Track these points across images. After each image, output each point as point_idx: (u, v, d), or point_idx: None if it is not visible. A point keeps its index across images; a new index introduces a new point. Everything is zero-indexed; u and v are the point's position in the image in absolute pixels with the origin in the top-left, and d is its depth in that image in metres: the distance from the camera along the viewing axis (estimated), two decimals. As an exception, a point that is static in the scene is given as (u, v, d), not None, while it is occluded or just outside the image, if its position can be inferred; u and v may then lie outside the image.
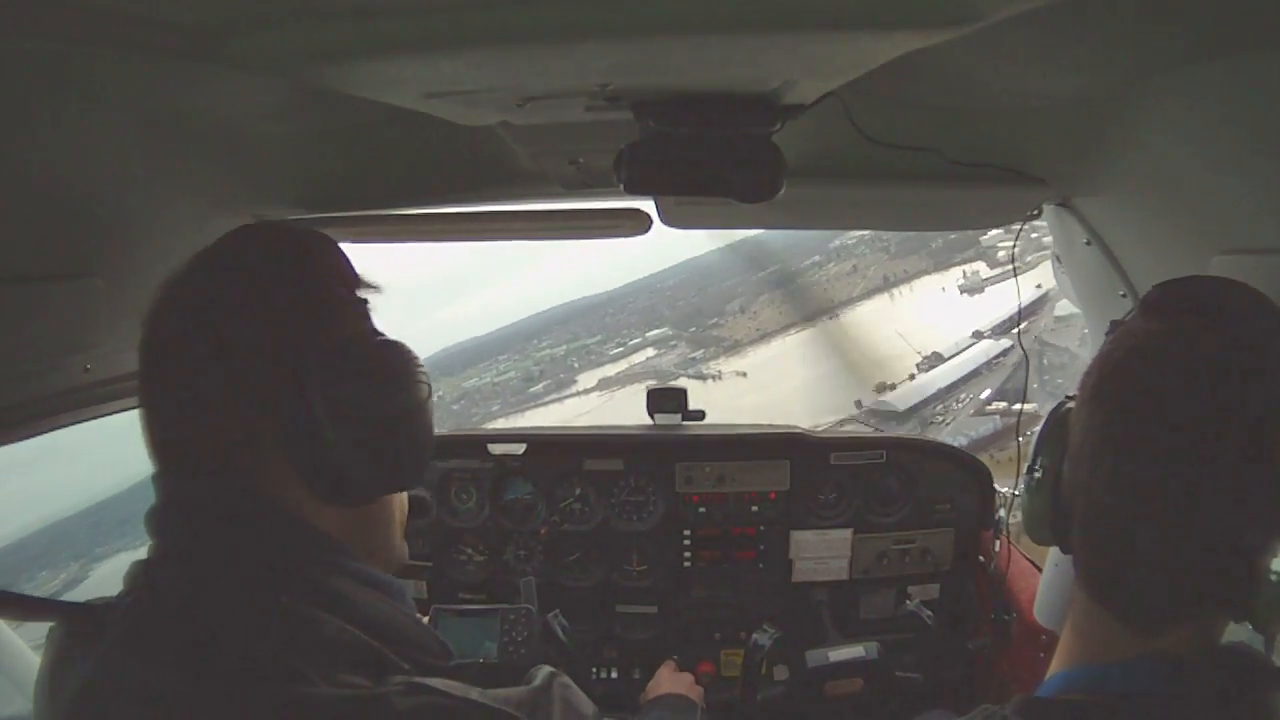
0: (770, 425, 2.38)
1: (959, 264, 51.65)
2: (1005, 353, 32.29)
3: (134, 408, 0.85)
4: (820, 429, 2.40)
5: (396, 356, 0.85)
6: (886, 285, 54.63)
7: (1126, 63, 1.08)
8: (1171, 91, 1.10)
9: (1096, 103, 1.22)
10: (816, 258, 57.24)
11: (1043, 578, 1.92)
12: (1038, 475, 0.87)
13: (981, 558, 2.21)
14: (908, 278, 54.54)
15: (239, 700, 0.71)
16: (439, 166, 1.60)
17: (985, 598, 2.18)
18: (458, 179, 1.65)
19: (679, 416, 2.32)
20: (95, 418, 1.33)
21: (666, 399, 2.32)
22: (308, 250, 0.88)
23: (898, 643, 1.97)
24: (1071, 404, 0.84)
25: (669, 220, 1.72)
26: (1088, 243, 1.58)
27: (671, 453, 2.23)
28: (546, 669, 0.91)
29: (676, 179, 1.19)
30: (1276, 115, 0.99)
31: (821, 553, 2.22)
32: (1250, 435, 0.71)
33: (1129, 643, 0.78)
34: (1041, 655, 1.88)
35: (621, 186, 1.17)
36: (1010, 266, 1.78)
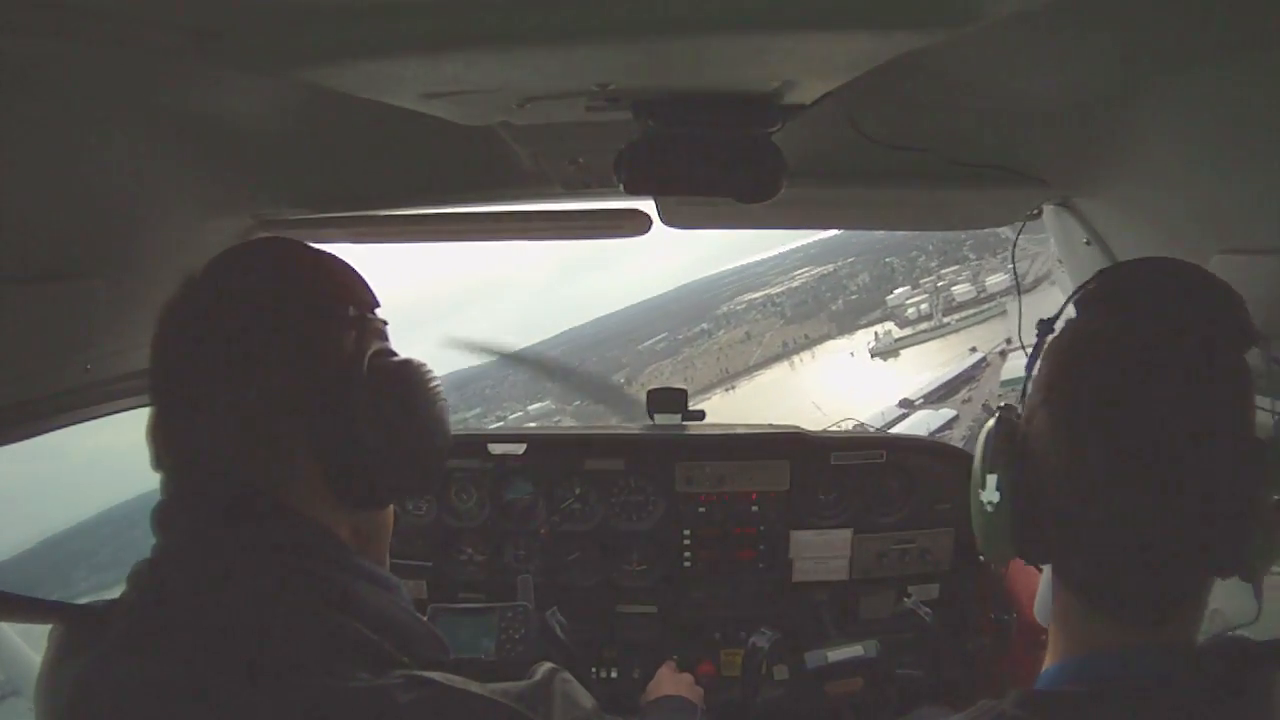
0: (770, 425, 2.38)
1: (865, 326, 48.36)
2: (950, 424, 28.13)
3: (135, 408, 0.86)
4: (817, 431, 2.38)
5: (421, 371, 0.91)
6: (786, 352, 50.71)
7: (1126, 63, 1.08)
8: (1171, 92, 1.10)
9: (1096, 103, 1.22)
10: (705, 325, 54.24)
11: (1043, 577, 1.91)
12: (994, 497, 0.84)
13: (981, 557, 2.21)
14: (810, 343, 50.88)
15: (243, 693, 0.72)
16: (439, 166, 1.60)
17: (985, 598, 2.17)
18: (458, 179, 1.65)
19: (679, 416, 2.31)
20: (95, 418, 1.33)
21: (667, 399, 2.32)
22: (326, 265, 0.92)
23: (897, 642, 1.97)
24: (1012, 414, 0.85)
25: (669, 220, 1.72)
26: (1088, 243, 1.58)
27: (671, 453, 2.23)
28: (547, 665, 0.93)
29: (676, 179, 1.19)
30: (1276, 115, 0.99)
31: (821, 553, 2.21)
32: (1197, 418, 0.73)
33: (1124, 635, 0.79)
34: (1042, 655, 1.88)
35: (621, 187, 1.17)
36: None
